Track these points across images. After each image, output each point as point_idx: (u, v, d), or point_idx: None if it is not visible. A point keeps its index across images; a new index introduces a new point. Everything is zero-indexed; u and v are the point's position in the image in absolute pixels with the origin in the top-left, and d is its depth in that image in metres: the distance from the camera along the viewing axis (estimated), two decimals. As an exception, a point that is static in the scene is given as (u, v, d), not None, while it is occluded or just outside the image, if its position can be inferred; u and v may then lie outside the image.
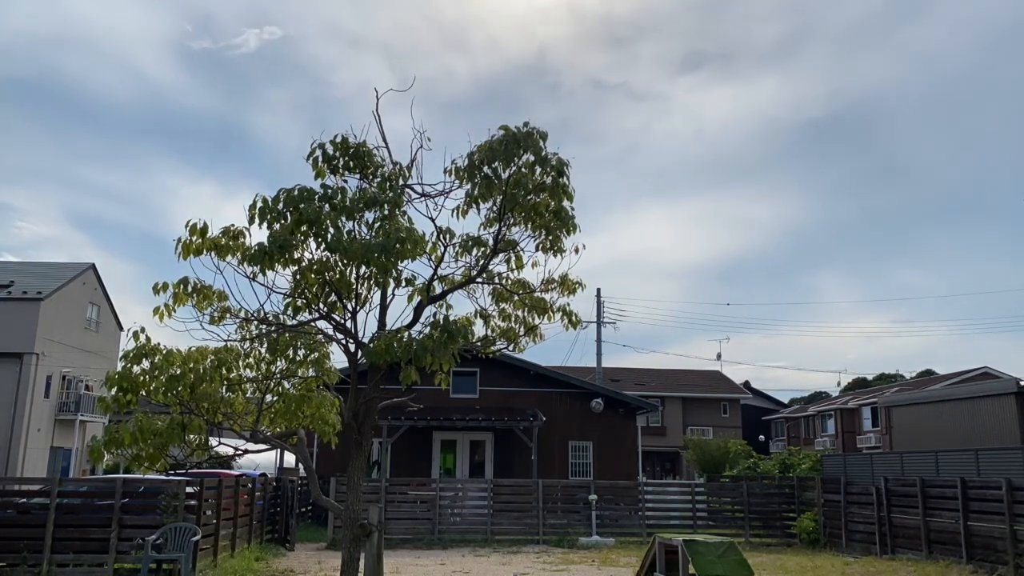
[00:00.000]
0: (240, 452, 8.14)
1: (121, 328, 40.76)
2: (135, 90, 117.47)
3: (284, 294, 7.17)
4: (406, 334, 6.99)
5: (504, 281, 7.79)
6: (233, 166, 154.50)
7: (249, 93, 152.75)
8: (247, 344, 7.43)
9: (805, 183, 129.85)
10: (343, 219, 6.78)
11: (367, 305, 7.41)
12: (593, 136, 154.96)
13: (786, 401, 64.71)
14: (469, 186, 7.14)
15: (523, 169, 7.04)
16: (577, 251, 7.45)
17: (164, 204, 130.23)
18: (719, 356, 72.60)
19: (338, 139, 7.10)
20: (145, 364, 6.77)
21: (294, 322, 7.41)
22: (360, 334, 7.44)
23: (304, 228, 6.61)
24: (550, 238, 7.35)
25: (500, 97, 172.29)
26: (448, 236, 7.39)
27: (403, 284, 7.40)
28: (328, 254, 6.86)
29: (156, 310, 6.73)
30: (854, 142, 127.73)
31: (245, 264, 6.84)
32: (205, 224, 6.72)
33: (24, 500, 13.37)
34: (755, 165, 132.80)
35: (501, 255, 7.55)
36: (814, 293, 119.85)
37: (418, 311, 7.34)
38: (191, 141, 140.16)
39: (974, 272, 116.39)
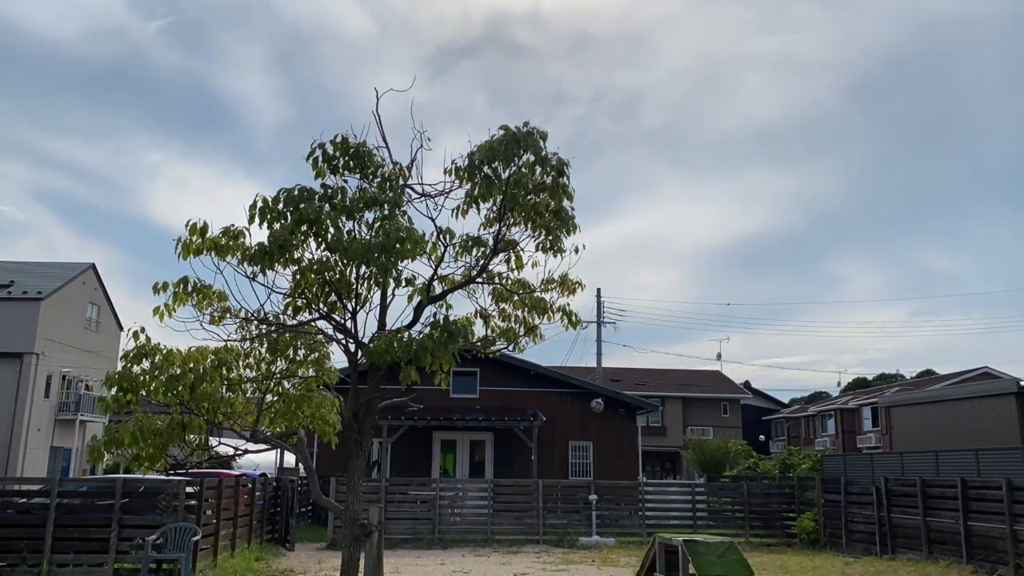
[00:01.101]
0: (240, 452, 8.14)
1: (121, 328, 40.76)
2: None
3: (284, 294, 7.18)
4: (406, 334, 6.99)
5: (504, 281, 7.78)
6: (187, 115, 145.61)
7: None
8: (247, 344, 7.43)
9: (840, 151, 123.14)
10: (343, 219, 6.79)
11: (367, 305, 7.41)
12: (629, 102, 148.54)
13: (786, 401, 64.71)
14: (469, 186, 7.14)
15: (523, 169, 7.04)
16: (577, 251, 7.45)
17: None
18: (719, 356, 72.63)
19: (338, 139, 7.11)
20: (145, 364, 6.77)
21: (294, 322, 7.41)
22: (360, 334, 7.44)
23: (304, 228, 6.62)
24: (550, 238, 7.35)
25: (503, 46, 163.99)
26: (448, 236, 7.39)
27: (403, 284, 7.41)
28: (328, 254, 6.87)
29: (156, 310, 6.73)
30: (911, 89, 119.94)
31: (245, 264, 6.84)
32: (205, 224, 6.73)
33: (24, 500, 13.38)
34: (790, 133, 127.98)
35: (501, 255, 7.55)
36: (833, 279, 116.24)
37: (418, 311, 7.34)
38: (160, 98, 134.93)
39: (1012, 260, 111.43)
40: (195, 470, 18.33)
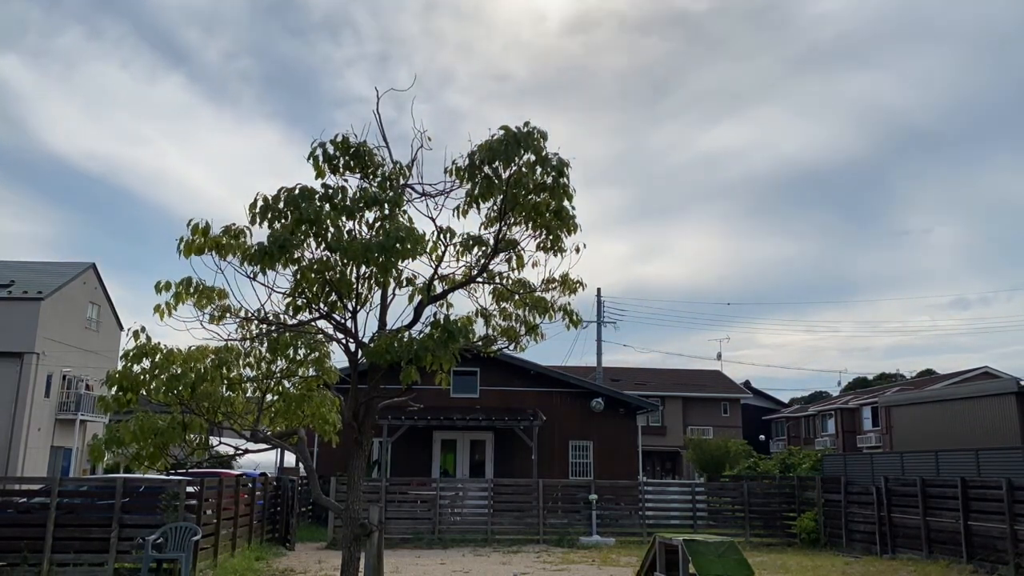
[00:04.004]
0: (240, 452, 8.14)
1: (121, 327, 40.77)
2: None
3: (284, 293, 7.17)
4: (406, 334, 6.99)
5: (505, 280, 7.78)
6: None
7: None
8: (247, 343, 7.43)
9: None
10: (343, 219, 6.78)
11: (367, 305, 7.40)
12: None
13: (786, 401, 64.71)
14: (469, 186, 7.14)
15: (523, 169, 7.03)
16: (578, 250, 7.45)
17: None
18: (719, 356, 72.66)
19: (339, 139, 7.11)
20: (145, 363, 6.77)
21: (294, 321, 7.40)
22: (360, 334, 7.44)
23: (304, 227, 6.61)
24: (551, 238, 7.35)
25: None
26: (448, 235, 7.39)
27: (403, 284, 7.41)
28: (328, 253, 6.86)
29: (157, 308, 6.73)
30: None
31: (246, 264, 6.84)
32: (207, 223, 6.73)
33: (24, 500, 13.38)
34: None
35: (502, 255, 7.54)
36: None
37: (418, 311, 7.33)
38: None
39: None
40: (195, 470, 18.33)
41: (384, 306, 7.49)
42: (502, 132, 6.89)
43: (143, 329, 6.82)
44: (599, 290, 40.03)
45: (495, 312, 7.91)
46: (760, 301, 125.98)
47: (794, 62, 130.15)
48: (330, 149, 7.09)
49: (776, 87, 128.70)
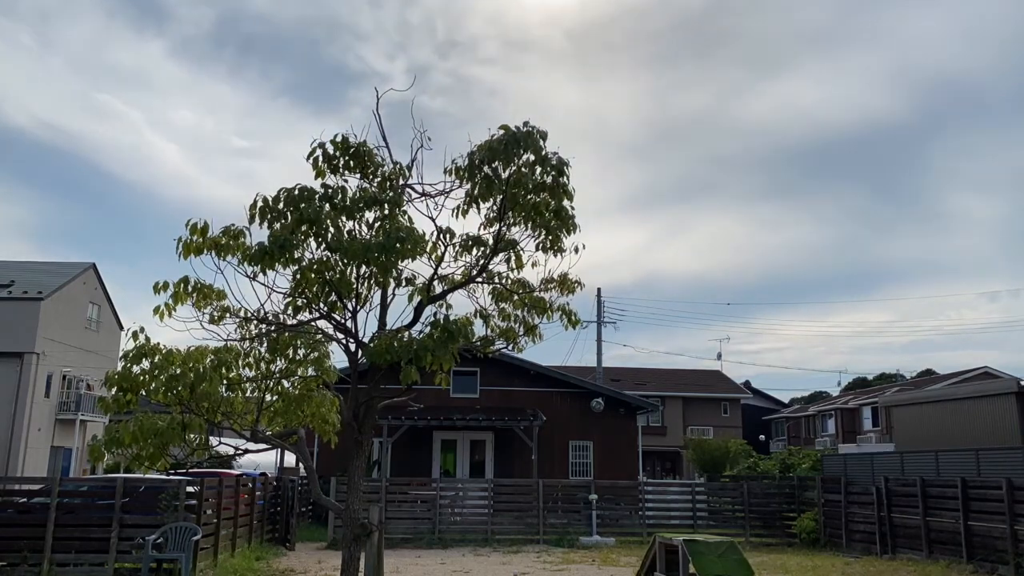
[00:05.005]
0: (240, 452, 8.14)
1: (121, 328, 40.77)
2: None
3: (284, 294, 7.18)
4: (406, 334, 7.00)
5: (504, 281, 7.78)
6: None
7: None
8: (247, 344, 7.43)
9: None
10: (343, 219, 6.79)
11: (367, 305, 7.42)
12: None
13: (786, 401, 64.72)
14: (469, 186, 7.14)
15: (523, 168, 7.04)
16: (577, 251, 7.45)
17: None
18: (719, 356, 72.66)
19: (338, 139, 7.12)
20: (145, 364, 6.77)
21: (294, 322, 7.41)
22: (360, 334, 7.45)
23: (304, 228, 6.62)
24: (550, 238, 7.35)
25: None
26: (448, 236, 7.39)
27: (403, 284, 7.42)
28: (328, 254, 6.86)
29: (156, 309, 6.73)
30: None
31: (245, 264, 6.84)
32: (206, 223, 6.73)
33: (25, 499, 13.38)
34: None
35: (501, 255, 7.54)
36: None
37: (418, 311, 7.34)
38: None
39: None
40: (195, 470, 18.32)
41: (384, 306, 7.49)
42: (502, 132, 6.89)
43: (142, 330, 6.83)
44: (599, 290, 40.10)
45: (494, 313, 7.92)
46: (774, 292, 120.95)
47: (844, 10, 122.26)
48: (330, 149, 7.10)
49: (817, 42, 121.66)
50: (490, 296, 7.92)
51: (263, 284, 7.04)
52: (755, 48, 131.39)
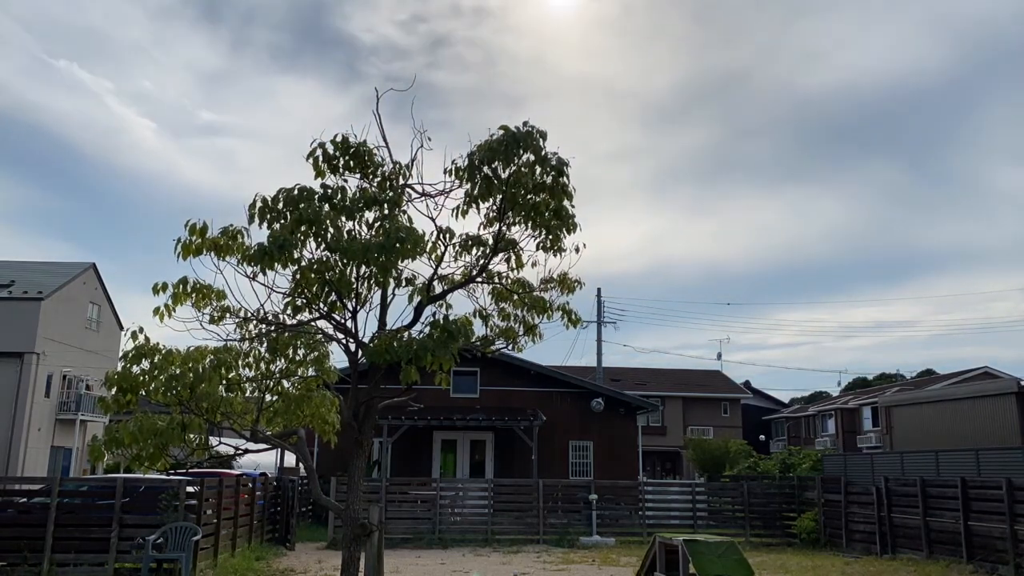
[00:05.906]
0: (240, 452, 8.14)
1: (121, 328, 40.77)
2: None
3: (284, 294, 7.18)
4: (406, 334, 6.99)
5: (504, 280, 7.79)
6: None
7: None
8: (247, 344, 7.43)
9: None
10: (343, 219, 6.79)
11: (367, 305, 7.41)
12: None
13: (786, 401, 64.71)
14: (469, 186, 7.14)
15: (523, 169, 7.04)
16: (577, 250, 7.45)
17: None
18: (719, 356, 72.70)
19: (338, 139, 7.11)
20: (145, 364, 6.77)
21: (294, 322, 7.41)
22: (360, 334, 7.44)
23: (304, 228, 6.61)
24: (550, 237, 7.35)
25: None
26: (448, 236, 7.39)
27: (403, 284, 7.41)
28: (328, 254, 6.86)
29: (156, 310, 6.73)
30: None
31: (245, 264, 6.84)
32: (205, 224, 6.73)
33: (25, 499, 13.38)
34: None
35: (501, 255, 7.55)
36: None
37: (418, 311, 7.34)
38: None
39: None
40: (195, 470, 18.33)
41: (384, 306, 7.49)
42: (501, 132, 6.90)
43: (141, 330, 6.83)
44: (599, 290, 40.11)
45: (494, 312, 7.92)
46: (791, 282, 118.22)
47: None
48: (330, 149, 7.09)
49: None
50: (490, 296, 7.92)
51: (263, 284, 7.05)
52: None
